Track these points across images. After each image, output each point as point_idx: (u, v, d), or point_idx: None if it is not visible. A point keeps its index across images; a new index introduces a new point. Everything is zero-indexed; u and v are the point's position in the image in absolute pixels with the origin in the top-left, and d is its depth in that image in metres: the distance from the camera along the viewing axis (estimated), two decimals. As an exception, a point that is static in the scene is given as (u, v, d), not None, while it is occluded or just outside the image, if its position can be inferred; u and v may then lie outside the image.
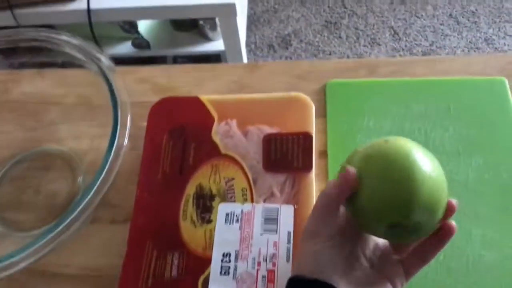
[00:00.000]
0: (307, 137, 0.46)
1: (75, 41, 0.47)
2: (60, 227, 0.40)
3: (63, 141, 0.53)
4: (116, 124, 0.44)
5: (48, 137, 0.53)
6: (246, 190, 0.44)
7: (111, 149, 0.43)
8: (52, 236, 0.41)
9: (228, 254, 0.40)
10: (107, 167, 0.42)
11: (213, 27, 1.38)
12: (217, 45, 1.40)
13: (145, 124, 0.50)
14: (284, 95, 0.50)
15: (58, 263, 0.46)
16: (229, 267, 0.39)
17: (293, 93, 0.49)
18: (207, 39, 1.40)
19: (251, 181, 0.44)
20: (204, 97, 0.50)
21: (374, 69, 0.55)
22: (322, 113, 0.52)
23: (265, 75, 0.56)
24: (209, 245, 0.41)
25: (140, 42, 1.34)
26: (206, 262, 0.40)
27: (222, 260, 0.40)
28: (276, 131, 0.47)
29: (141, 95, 0.56)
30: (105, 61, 0.47)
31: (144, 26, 1.40)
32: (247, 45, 1.57)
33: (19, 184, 0.51)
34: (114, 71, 0.46)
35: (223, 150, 0.47)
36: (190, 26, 1.39)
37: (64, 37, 0.48)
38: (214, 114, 0.49)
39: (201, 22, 1.36)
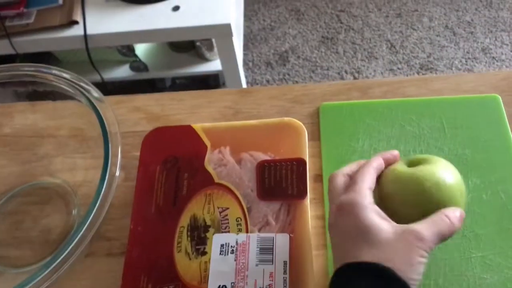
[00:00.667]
0: (301, 163, 0.46)
1: (65, 74, 0.48)
2: (55, 263, 0.40)
3: (58, 173, 0.52)
4: (107, 156, 0.44)
5: (43, 170, 0.53)
6: (241, 220, 0.43)
7: (103, 181, 0.43)
8: (47, 273, 0.40)
9: (224, 287, 0.39)
10: (99, 200, 0.42)
11: (210, 48, 1.39)
12: (214, 65, 1.40)
13: (138, 154, 0.50)
14: (277, 121, 0.49)
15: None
16: (223, 301, 0.39)
17: (286, 119, 0.49)
18: (204, 59, 1.41)
19: (246, 210, 0.44)
20: (197, 125, 0.50)
21: (366, 90, 0.55)
22: (316, 136, 0.51)
23: (258, 100, 0.56)
24: (205, 277, 0.40)
25: (138, 65, 1.35)
26: (200, 296, 0.39)
27: (217, 294, 0.39)
28: (270, 157, 0.47)
29: (134, 125, 0.56)
30: (94, 92, 0.47)
31: (141, 49, 1.41)
32: (245, 63, 1.57)
33: (13, 220, 0.50)
34: (103, 102, 0.46)
35: (216, 179, 0.46)
36: (187, 47, 1.40)
37: (54, 71, 0.48)
38: (207, 142, 0.49)
39: (197, 43, 1.37)
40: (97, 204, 0.42)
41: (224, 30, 1.22)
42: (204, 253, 0.42)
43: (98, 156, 0.52)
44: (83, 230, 0.40)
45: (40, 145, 0.54)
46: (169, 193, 0.46)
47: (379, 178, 0.40)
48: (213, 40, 1.36)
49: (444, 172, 0.37)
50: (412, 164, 0.39)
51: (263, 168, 0.46)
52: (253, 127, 0.49)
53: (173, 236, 0.43)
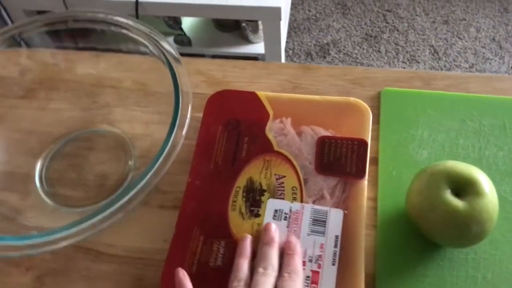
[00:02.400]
0: (363, 144, 0.46)
1: (142, 27, 0.48)
2: (113, 208, 0.41)
3: (117, 123, 0.54)
4: (176, 114, 0.44)
5: (102, 118, 0.54)
6: (296, 189, 0.44)
7: (170, 138, 0.43)
8: (104, 217, 0.41)
9: (276, 250, 0.40)
10: (163, 155, 0.42)
11: (255, 30, 1.39)
12: (257, 48, 1.41)
13: (197, 114, 0.51)
14: (342, 99, 0.49)
15: (103, 242, 0.46)
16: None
17: (352, 99, 0.49)
18: (247, 41, 1.41)
19: (302, 181, 0.44)
20: (261, 93, 0.51)
21: (429, 81, 0.55)
22: (374, 120, 0.51)
23: (318, 77, 0.56)
24: (256, 238, 0.41)
25: (182, 39, 1.36)
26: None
27: (270, 255, 0.40)
28: (331, 134, 0.47)
29: (195, 87, 0.56)
30: (170, 50, 0.47)
31: (187, 23, 1.42)
32: (285, 51, 1.57)
33: (71, 162, 0.52)
34: (179, 62, 0.47)
35: (276, 147, 0.47)
36: (232, 27, 1.41)
37: (131, 22, 0.49)
38: (270, 111, 0.49)
39: (243, 24, 1.37)
40: (161, 158, 0.42)
41: (273, 14, 1.22)
42: (257, 215, 0.42)
43: (159, 112, 0.53)
44: (144, 181, 0.41)
45: (101, 94, 0.55)
46: (229, 154, 0.47)
47: (416, 184, 0.42)
48: (260, 22, 1.36)
49: (495, 206, 0.39)
50: (458, 187, 0.39)
51: (323, 143, 0.46)
52: (316, 103, 0.49)
53: (228, 194, 0.44)
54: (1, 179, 0.49)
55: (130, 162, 0.51)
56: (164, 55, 0.47)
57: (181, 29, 1.36)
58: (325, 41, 1.58)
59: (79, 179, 0.51)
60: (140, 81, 0.55)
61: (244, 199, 0.43)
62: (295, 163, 0.45)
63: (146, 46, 0.49)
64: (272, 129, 0.48)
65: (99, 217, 0.41)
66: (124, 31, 0.50)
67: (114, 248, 0.46)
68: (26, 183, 0.50)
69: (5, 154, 0.50)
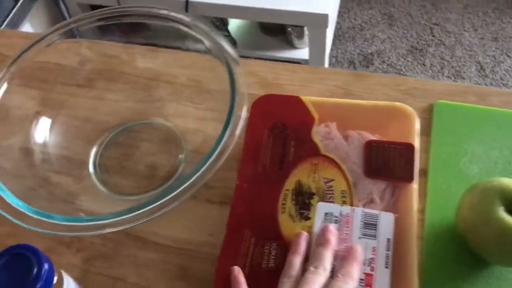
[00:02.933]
0: (410, 148, 0.46)
1: (202, 25, 0.50)
2: (165, 200, 0.42)
3: (170, 117, 0.55)
4: (231, 113, 0.45)
5: (156, 111, 0.56)
6: (346, 193, 0.44)
7: (223, 136, 0.44)
8: (156, 207, 0.42)
9: (325, 252, 0.40)
10: (218, 151, 0.43)
11: (300, 35, 1.40)
12: (301, 53, 1.41)
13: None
14: (388, 104, 0.49)
15: (151, 231, 0.48)
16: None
17: (397, 104, 0.49)
18: (292, 46, 1.42)
19: (351, 185, 0.44)
20: (306, 98, 0.51)
21: (484, 97, 0.54)
22: (425, 132, 0.51)
23: (370, 86, 0.56)
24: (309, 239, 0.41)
25: (227, 40, 1.38)
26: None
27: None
28: (377, 138, 0.47)
29: (247, 87, 0.57)
30: (229, 50, 0.48)
31: (234, 25, 1.44)
32: (328, 58, 1.57)
33: (123, 151, 0.54)
34: (237, 63, 0.48)
35: (322, 151, 0.47)
36: (277, 31, 1.42)
37: (191, 20, 0.50)
38: (315, 115, 0.49)
39: (289, 28, 1.38)
40: (214, 156, 0.43)
41: (320, 20, 1.22)
42: (307, 218, 0.43)
43: (212, 109, 0.54)
44: (196, 176, 0.42)
45: (156, 88, 0.57)
46: (276, 157, 0.47)
47: (467, 198, 0.41)
48: (305, 28, 1.37)
49: None
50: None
51: (371, 147, 0.46)
52: (362, 107, 0.49)
53: (277, 197, 0.44)
54: (58, 162, 0.51)
55: (180, 156, 0.52)
56: (223, 54, 0.48)
57: (227, 30, 1.38)
58: (369, 51, 1.57)
59: (130, 168, 0.52)
60: (195, 78, 0.57)
61: (293, 202, 0.44)
62: (343, 167, 0.46)
63: (204, 44, 0.50)
64: (318, 133, 0.48)
65: (151, 207, 0.43)
66: (183, 27, 0.51)
67: (161, 237, 0.47)
68: (81, 168, 0.52)
69: (64, 139, 0.52)
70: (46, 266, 0.34)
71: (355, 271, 0.38)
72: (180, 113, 0.55)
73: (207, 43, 0.50)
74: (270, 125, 0.49)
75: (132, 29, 0.57)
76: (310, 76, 0.58)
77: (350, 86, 0.56)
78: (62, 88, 0.56)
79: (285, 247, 0.42)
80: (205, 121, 0.54)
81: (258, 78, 0.58)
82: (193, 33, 0.51)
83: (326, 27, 1.22)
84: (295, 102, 0.51)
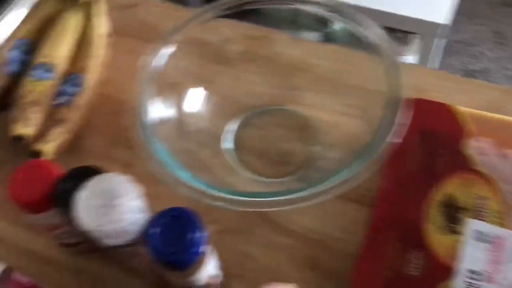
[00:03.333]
0: None
1: (376, 29, 0.49)
2: (316, 192, 0.41)
3: (307, 107, 0.55)
4: (393, 118, 0.43)
5: (292, 99, 0.56)
6: (502, 214, 0.41)
7: (380, 144, 0.42)
8: (304, 196, 0.42)
9: (476, 272, 0.38)
10: (376, 152, 0.42)
11: (404, 42, 1.35)
12: (404, 60, 1.37)
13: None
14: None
15: (285, 216, 0.48)
16: (477, 286, 0.38)
17: None
18: (394, 52, 1.37)
19: (508, 206, 0.42)
20: (460, 108, 0.49)
21: None
22: None
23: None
24: (454, 256, 0.40)
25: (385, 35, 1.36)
26: (449, 271, 0.39)
27: (468, 277, 0.38)
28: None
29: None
30: (388, 47, 0.47)
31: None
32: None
33: (258, 133, 0.54)
34: (396, 63, 0.46)
35: (476, 166, 0.45)
36: (383, 35, 1.38)
37: (354, 12, 0.50)
38: (470, 128, 0.47)
39: (396, 34, 1.34)
40: (372, 158, 0.41)
41: (434, 29, 1.18)
42: (456, 232, 0.41)
43: (350, 104, 0.53)
44: (351, 174, 0.41)
45: (295, 76, 0.57)
46: (423, 164, 0.46)
47: None
48: (409, 36, 1.32)
49: None
50: None
51: (532, 173, 0.43)
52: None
53: (424, 206, 0.43)
54: (198, 134, 0.52)
55: (315, 147, 0.52)
56: (381, 50, 0.47)
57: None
58: (473, 68, 1.49)
59: (264, 150, 0.53)
60: (335, 70, 0.56)
61: (441, 214, 0.42)
62: (500, 186, 0.43)
63: (363, 37, 0.49)
64: (471, 147, 0.46)
65: (297, 195, 0.42)
66: (329, 13, 0.50)
67: (294, 224, 0.47)
68: (218, 143, 0.53)
69: (206, 113, 0.54)
70: (203, 233, 0.35)
71: None
72: (318, 104, 0.55)
73: (377, 42, 0.48)
74: (418, 130, 0.48)
75: (272, 16, 0.57)
76: (457, 86, 0.55)
77: (503, 103, 0.53)
78: (206, 64, 0.57)
79: (431, 258, 0.40)
80: (343, 116, 0.53)
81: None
82: (351, 24, 0.50)
83: (438, 37, 1.18)
84: (446, 111, 0.49)
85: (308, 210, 0.48)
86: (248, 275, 0.45)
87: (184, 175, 0.42)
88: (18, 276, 0.41)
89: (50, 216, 0.40)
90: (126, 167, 0.48)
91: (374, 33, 0.49)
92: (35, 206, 0.39)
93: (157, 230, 0.35)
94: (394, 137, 0.44)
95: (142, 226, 0.36)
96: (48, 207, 0.39)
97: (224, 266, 0.45)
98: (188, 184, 0.42)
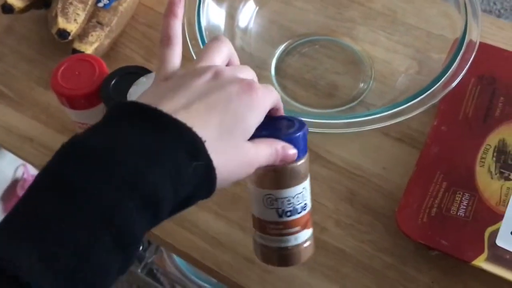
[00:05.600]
0: None
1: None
2: (368, 118, 0.40)
3: (359, 41, 0.52)
4: (452, 63, 0.42)
5: (345, 31, 0.53)
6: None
7: (437, 82, 0.41)
8: (348, 122, 0.41)
9: (523, 221, 0.38)
10: (425, 95, 0.40)
11: None
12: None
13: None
14: None
15: (325, 147, 0.46)
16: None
17: None
18: None
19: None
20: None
21: None
22: None
23: None
24: (504, 201, 0.39)
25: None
26: (497, 216, 0.38)
27: (516, 223, 0.37)
28: None
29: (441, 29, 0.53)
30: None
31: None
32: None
33: (306, 62, 0.52)
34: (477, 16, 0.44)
35: (535, 117, 0.43)
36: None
37: None
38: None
39: None
40: (421, 97, 0.40)
41: None
42: (508, 178, 0.40)
43: (404, 43, 0.51)
44: (402, 108, 0.40)
45: (349, 8, 0.54)
46: (481, 108, 0.44)
47: None
48: None
49: None
50: None
51: None
52: None
53: (477, 149, 0.42)
54: (242, 55, 0.50)
55: (364, 82, 0.50)
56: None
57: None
58: None
59: (310, 80, 0.51)
60: (391, 7, 0.53)
61: (494, 158, 0.41)
62: None
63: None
64: (531, 97, 0.44)
65: (342, 120, 0.41)
66: None
67: (333, 156, 0.46)
68: (261, 68, 0.51)
69: (253, 37, 0.51)
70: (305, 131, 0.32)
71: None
72: (370, 39, 0.52)
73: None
74: (478, 74, 0.46)
75: None
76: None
77: None
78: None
79: (479, 202, 0.39)
80: (395, 54, 0.51)
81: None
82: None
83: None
84: (508, 58, 0.47)
85: (348, 143, 0.47)
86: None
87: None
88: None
89: (96, 113, 0.38)
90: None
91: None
92: (82, 100, 0.38)
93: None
94: (451, 80, 0.42)
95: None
96: (96, 103, 0.38)
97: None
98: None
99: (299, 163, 0.31)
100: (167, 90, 0.28)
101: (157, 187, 0.24)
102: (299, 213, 0.32)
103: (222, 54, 0.31)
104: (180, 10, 0.31)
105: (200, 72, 0.29)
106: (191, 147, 0.25)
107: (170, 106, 0.26)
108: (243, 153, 0.28)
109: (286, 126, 0.31)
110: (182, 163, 0.25)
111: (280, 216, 0.31)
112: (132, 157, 0.23)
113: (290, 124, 0.31)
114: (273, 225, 0.32)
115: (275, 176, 0.31)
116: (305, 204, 0.32)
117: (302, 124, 0.31)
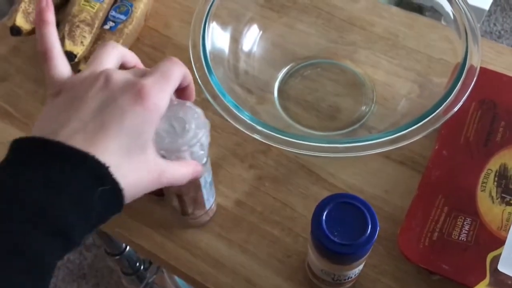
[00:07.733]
0: None
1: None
2: (368, 143, 0.40)
3: (360, 64, 0.53)
4: (454, 86, 0.42)
5: (347, 55, 0.54)
6: (557, 192, 0.40)
7: (438, 108, 0.41)
8: (350, 147, 0.41)
9: (527, 245, 0.38)
10: (425, 121, 0.40)
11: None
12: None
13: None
14: None
15: (325, 168, 0.47)
16: (527, 258, 0.37)
17: None
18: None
19: None
20: (523, 82, 0.47)
21: None
22: None
23: None
24: (506, 226, 0.39)
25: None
26: (499, 241, 0.38)
27: (518, 247, 0.37)
28: None
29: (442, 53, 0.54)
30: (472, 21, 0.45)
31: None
32: None
33: (308, 85, 0.52)
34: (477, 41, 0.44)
35: (534, 141, 0.43)
36: (415, 9, 1.34)
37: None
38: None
39: (427, 12, 1.30)
40: (423, 122, 0.40)
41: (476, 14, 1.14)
42: (509, 203, 0.40)
43: (405, 67, 0.52)
44: (404, 132, 0.40)
45: (350, 31, 0.55)
46: (482, 133, 0.44)
47: None
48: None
49: None
50: None
51: None
52: None
53: (478, 174, 0.42)
54: (246, 78, 0.51)
55: (366, 105, 0.50)
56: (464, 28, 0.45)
57: None
58: None
59: (312, 102, 0.51)
60: (393, 31, 0.54)
61: (495, 183, 0.41)
62: (555, 163, 0.42)
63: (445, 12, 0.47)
64: (531, 122, 0.45)
65: (343, 145, 0.41)
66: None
67: (336, 179, 0.46)
68: (265, 90, 0.52)
69: (256, 60, 0.52)
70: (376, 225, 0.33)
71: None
72: (372, 63, 0.53)
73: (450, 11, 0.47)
74: (479, 99, 0.46)
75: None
76: (516, 62, 0.53)
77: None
78: (264, 11, 0.55)
79: (480, 225, 0.39)
80: (397, 77, 0.52)
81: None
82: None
83: (478, 23, 1.14)
84: (508, 83, 0.47)
85: (349, 166, 0.47)
86: (284, 222, 0.44)
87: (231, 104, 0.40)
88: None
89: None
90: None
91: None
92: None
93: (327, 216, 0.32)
94: (452, 105, 0.43)
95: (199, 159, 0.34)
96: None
97: (260, 210, 0.45)
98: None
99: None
100: (60, 110, 0.28)
101: (64, 215, 0.25)
102: None
103: (110, 57, 0.31)
104: (50, 14, 0.31)
105: (91, 81, 0.29)
106: (95, 174, 0.26)
107: (67, 132, 0.27)
108: (148, 167, 0.29)
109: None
110: (86, 190, 0.25)
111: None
112: (37, 191, 0.25)
113: None
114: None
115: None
116: None
117: None
